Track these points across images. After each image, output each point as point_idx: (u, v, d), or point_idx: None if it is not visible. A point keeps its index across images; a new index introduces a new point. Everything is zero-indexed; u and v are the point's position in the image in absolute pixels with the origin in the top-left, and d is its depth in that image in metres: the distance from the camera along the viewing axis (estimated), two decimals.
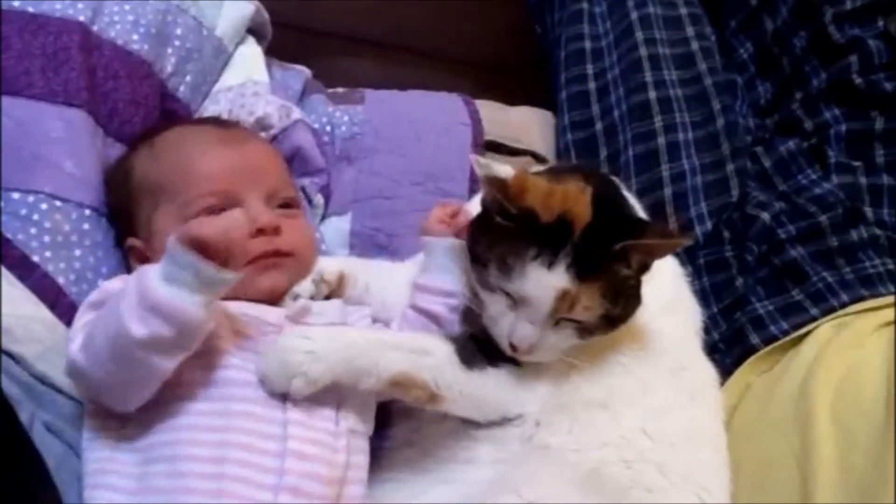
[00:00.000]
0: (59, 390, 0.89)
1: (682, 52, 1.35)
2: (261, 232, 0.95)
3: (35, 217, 0.95)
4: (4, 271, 0.91)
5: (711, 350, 1.06)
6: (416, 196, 1.24)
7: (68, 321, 0.90)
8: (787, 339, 1.06)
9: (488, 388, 0.88)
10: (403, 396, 0.87)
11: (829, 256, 1.12)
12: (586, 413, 0.89)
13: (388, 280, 1.03)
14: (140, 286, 0.79)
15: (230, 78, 1.26)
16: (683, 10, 1.40)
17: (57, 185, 0.98)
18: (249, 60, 1.29)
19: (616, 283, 0.84)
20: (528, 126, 1.44)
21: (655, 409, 0.90)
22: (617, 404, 0.89)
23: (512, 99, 1.49)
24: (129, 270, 1.00)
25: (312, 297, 0.98)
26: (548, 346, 0.85)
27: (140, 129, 1.09)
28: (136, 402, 0.83)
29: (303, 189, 1.19)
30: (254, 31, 1.32)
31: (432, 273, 0.97)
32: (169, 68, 1.16)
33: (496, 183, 0.84)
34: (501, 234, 0.84)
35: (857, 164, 1.21)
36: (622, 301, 0.85)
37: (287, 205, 1.02)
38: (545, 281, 0.81)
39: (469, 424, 0.90)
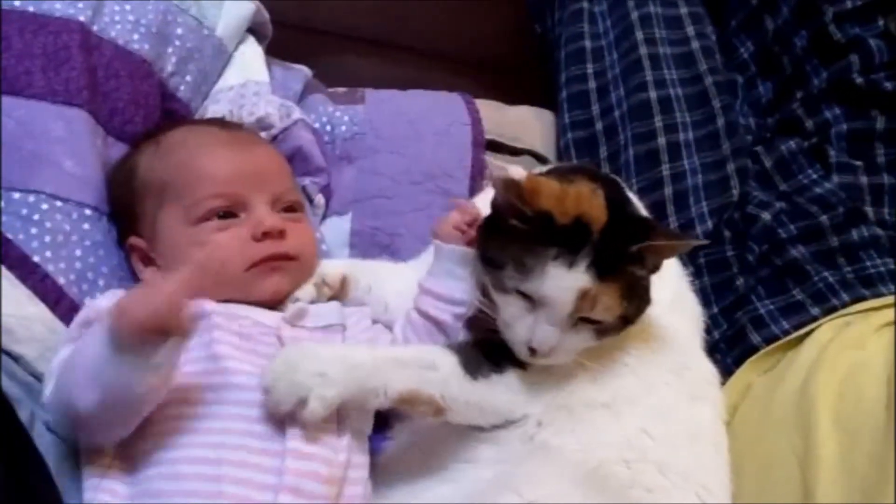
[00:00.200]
0: None
1: (683, 52, 1.35)
2: (266, 236, 0.96)
3: (36, 217, 0.95)
4: (5, 271, 0.91)
5: (712, 349, 1.06)
6: (417, 195, 1.24)
7: (69, 321, 0.90)
8: (788, 338, 1.06)
9: (493, 396, 0.88)
10: (409, 411, 0.87)
11: (830, 256, 1.12)
12: (588, 413, 0.88)
13: (391, 282, 1.03)
14: (87, 352, 0.79)
15: (231, 78, 1.26)
16: (684, 9, 1.39)
17: (57, 184, 0.98)
18: (250, 60, 1.29)
19: (632, 282, 0.84)
20: (529, 125, 1.44)
21: (657, 409, 0.90)
22: (619, 404, 0.89)
23: (512, 98, 1.49)
24: (130, 269, 1.01)
25: (313, 302, 0.98)
26: (566, 349, 0.85)
27: (141, 129, 1.09)
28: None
29: (303, 189, 1.19)
30: (254, 30, 1.32)
31: (440, 278, 0.96)
32: (169, 68, 1.16)
33: (513, 186, 0.83)
34: (517, 237, 0.83)
35: (858, 163, 1.21)
36: (636, 301, 0.86)
37: (292, 209, 1.02)
38: (566, 281, 0.81)
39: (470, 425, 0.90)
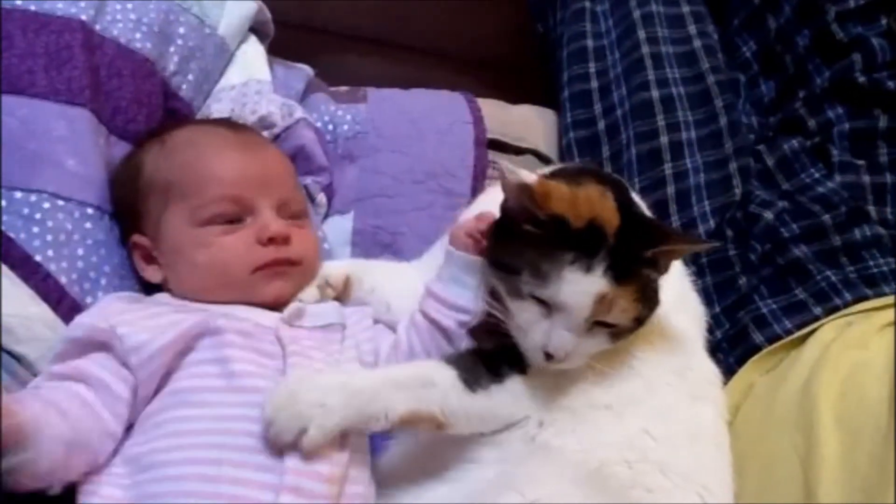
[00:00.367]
0: None
1: (685, 51, 1.35)
2: (271, 241, 0.96)
3: (38, 216, 0.95)
4: (6, 271, 0.91)
5: (714, 349, 1.06)
6: (419, 194, 1.24)
7: (70, 321, 0.90)
8: (791, 338, 1.06)
9: (493, 406, 0.87)
10: (412, 429, 0.87)
11: (833, 255, 1.12)
12: (590, 414, 0.88)
13: (394, 282, 1.03)
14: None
15: (233, 76, 1.26)
16: (686, 8, 1.39)
17: (60, 184, 0.98)
18: (252, 59, 1.29)
19: (646, 285, 0.84)
20: (531, 124, 1.43)
21: (659, 410, 0.90)
22: (621, 405, 0.89)
23: (514, 97, 1.49)
24: (132, 268, 1.01)
25: (316, 303, 0.98)
26: (581, 353, 0.85)
27: (144, 128, 1.09)
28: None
29: (305, 188, 1.19)
30: (256, 29, 1.32)
31: (447, 283, 0.95)
32: (171, 67, 1.16)
33: (525, 190, 0.83)
34: (531, 241, 0.83)
35: (860, 162, 1.21)
36: (649, 303, 0.86)
37: (297, 215, 1.02)
38: (583, 285, 0.81)
39: None
